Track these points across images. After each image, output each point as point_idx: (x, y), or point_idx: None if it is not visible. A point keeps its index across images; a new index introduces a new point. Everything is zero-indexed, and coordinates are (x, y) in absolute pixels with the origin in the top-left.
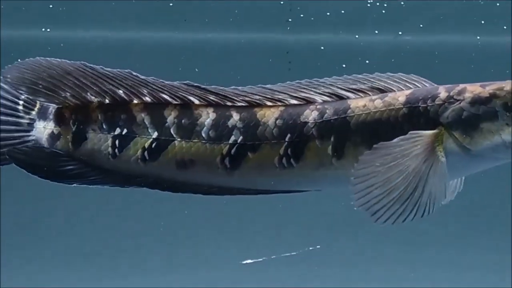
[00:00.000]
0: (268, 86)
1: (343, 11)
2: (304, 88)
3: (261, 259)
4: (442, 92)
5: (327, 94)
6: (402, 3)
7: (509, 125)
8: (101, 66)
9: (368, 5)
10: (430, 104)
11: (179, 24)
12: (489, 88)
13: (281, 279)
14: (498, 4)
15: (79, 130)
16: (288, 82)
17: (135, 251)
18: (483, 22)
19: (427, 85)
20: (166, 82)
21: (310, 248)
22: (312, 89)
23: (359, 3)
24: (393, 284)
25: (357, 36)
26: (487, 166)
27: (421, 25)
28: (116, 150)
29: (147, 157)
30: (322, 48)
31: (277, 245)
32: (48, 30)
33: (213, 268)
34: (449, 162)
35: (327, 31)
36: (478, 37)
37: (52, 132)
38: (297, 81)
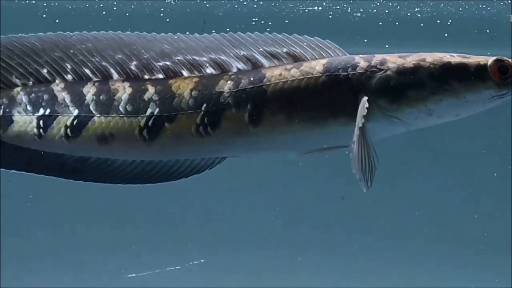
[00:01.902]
0: (192, 41)
1: None
2: (225, 49)
3: (145, 273)
4: (361, 61)
5: (244, 59)
6: None
7: (435, 94)
8: (24, 35)
9: None
10: (351, 73)
11: None
12: (411, 59)
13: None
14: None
15: (5, 114)
16: (214, 34)
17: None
18: None
19: (339, 53)
20: (88, 46)
21: (195, 262)
22: (232, 50)
23: None
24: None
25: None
26: (403, 131)
27: None
28: (41, 130)
29: (70, 134)
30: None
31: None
32: None
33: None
34: (371, 127)
35: None
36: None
37: None
38: (223, 34)
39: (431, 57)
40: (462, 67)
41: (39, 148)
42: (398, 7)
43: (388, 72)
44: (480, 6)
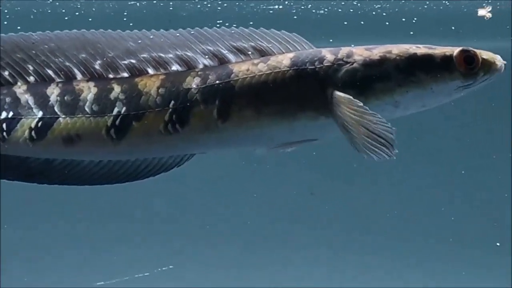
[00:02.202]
0: (158, 38)
1: None
2: (191, 45)
3: (114, 281)
4: (328, 54)
5: (210, 54)
6: None
7: (401, 86)
8: None
9: None
10: (318, 66)
11: None
12: (377, 51)
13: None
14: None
15: None
16: (179, 30)
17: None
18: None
19: (306, 47)
20: (51, 45)
21: (163, 268)
22: (198, 45)
23: None
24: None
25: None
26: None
27: None
28: (5, 134)
29: (34, 137)
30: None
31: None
32: None
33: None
34: (342, 117)
35: None
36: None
37: None
38: (189, 29)
39: (397, 49)
40: (428, 58)
41: (2, 152)
42: (363, 5)
43: (355, 65)
44: (444, 2)
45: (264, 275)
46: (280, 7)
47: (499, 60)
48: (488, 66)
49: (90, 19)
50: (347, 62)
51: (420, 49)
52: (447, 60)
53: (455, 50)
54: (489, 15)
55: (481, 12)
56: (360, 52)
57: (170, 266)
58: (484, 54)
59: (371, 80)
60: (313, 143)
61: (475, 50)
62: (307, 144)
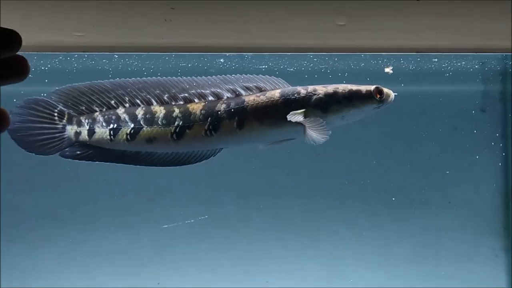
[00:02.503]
0: (200, 81)
1: None
2: (219, 85)
3: (175, 224)
4: (302, 90)
5: (231, 90)
6: None
7: (346, 107)
8: (101, 81)
9: None
10: (297, 96)
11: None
12: (331, 87)
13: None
14: None
15: (90, 128)
16: (210, 76)
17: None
18: None
19: (286, 85)
20: (138, 86)
21: (201, 218)
22: (223, 85)
23: None
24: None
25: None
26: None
27: None
28: (112, 137)
29: (129, 138)
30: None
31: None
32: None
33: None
34: (311, 124)
35: None
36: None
37: (76, 131)
38: (214, 76)
39: (342, 86)
40: (359, 91)
41: (111, 148)
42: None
43: (320, 95)
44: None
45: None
46: (270, 64)
47: (392, 94)
48: (388, 96)
49: (145, 73)
50: (314, 94)
51: (355, 86)
52: (369, 92)
53: (372, 87)
54: (391, 72)
55: (386, 69)
56: (321, 88)
57: (206, 216)
58: (386, 90)
59: (329, 104)
60: (292, 141)
61: (383, 87)
62: (289, 142)
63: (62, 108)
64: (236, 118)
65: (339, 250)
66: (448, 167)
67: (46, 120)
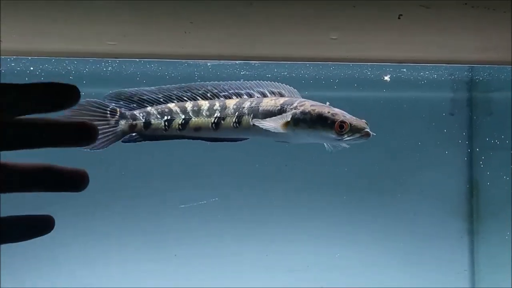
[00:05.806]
0: (238, 84)
1: None
2: (250, 87)
3: (191, 204)
4: (295, 103)
5: (258, 92)
6: None
7: (310, 127)
8: (163, 86)
9: None
10: (289, 107)
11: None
12: (309, 105)
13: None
14: None
15: (146, 121)
16: (242, 81)
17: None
18: None
19: (295, 95)
20: (184, 88)
21: (212, 200)
22: (255, 88)
23: None
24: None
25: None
26: (298, 142)
27: None
28: (167, 127)
29: (180, 128)
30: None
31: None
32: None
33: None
34: (287, 134)
35: None
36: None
37: (131, 124)
38: (253, 81)
39: (318, 108)
40: (325, 118)
41: (167, 134)
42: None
43: (300, 110)
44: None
45: None
46: (276, 70)
47: (366, 129)
48: (355, 130)
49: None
50: (297, 108)
51: (329, 112)
52: (332, 123)
53: (338, 120)
54: (388, 80)
55: (385, 77)
56: (303, 104)
57: (216, 198)
58: (355, 122)
59: (300, 120)
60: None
61: (347, 122)
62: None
63: (114, 106)
64: (251, 115)
65: (323, 231)
66: (421, 160)
67: (99, 118)
